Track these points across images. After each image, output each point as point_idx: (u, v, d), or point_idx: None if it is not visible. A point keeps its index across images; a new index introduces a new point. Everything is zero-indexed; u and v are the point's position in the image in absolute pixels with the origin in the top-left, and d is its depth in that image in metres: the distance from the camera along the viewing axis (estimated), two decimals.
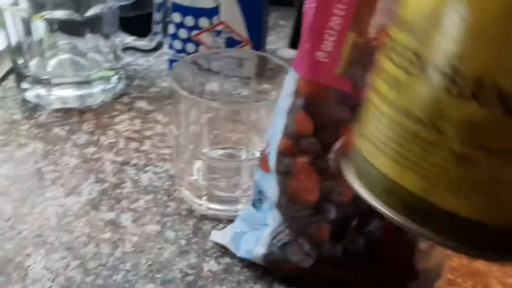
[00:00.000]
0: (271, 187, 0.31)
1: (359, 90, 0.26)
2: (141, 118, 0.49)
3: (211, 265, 0.34)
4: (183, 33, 0.54)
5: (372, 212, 0.22)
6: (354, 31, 0.27)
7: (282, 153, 0.30)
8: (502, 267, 0.35)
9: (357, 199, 0.23)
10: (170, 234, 0.36)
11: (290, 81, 0.29)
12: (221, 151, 0.42)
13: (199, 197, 0.38)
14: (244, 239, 0.34)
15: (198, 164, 0.39)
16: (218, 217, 0.38)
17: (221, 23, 0.53)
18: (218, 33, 0.54)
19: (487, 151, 0.16)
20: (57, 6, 0.46)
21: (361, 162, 0.19)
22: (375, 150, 0.18)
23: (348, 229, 0.29)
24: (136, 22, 0.58)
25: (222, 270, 0.34)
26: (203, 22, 0.53)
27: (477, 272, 0.35)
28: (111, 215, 0.38)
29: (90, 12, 0.48)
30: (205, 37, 0.54)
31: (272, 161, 0.30)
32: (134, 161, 0.44)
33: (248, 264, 0.34)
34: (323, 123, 0.28)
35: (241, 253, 0.33)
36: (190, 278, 0.33)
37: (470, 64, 0.16)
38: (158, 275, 0.33)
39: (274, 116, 0.31)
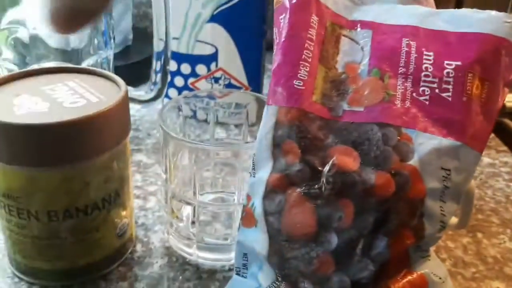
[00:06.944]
0: (259, 241, 0.28)
1: (336, 117, 0.28)
2: (141, 173, 0.46)
3: None
4: (179, 81, 0.52)
5: (376, 229, 0.26)
6: (323, 65, 0.29)
7: (273, 190, 0.28)
8: None
9: (359, 219, 0.26)
10: None
11: (267, 118, 0.29)
12: (212, 196, 0.39)
13: (189, 245, 0.35)
14: None
15: (188, 210, 0.36)
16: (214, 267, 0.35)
17: (219, 69, 0.52)
18: (217, 79, 0.52)
19: None
20: (41, 57, 0.44)
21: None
22: None
23: (354, 256, 0.26)
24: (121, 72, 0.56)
25: None
26: (201, 69, 0.52)
27: None
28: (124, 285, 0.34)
29: (84, 64, 0.46)
30: (203, 84, 0.52)
31: (259, 209, 0.28)
32: (141, 220, 0.40)
33: None
34: (309, 148, 0.27)
35: None
36: None
37: None
38: None
39: (253, 167, 0.29)
